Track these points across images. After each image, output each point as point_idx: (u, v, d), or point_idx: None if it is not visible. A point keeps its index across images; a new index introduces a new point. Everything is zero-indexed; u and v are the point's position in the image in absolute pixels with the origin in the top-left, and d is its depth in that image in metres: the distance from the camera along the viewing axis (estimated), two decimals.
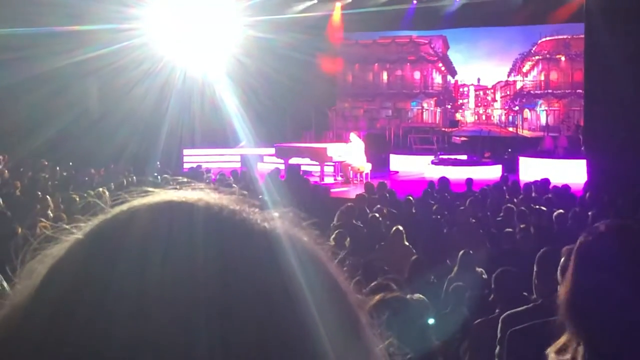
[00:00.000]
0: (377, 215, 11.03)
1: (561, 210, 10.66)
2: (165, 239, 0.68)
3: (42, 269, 0.71)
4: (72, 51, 20.57)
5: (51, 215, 10.52)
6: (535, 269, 5.15)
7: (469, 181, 15.35)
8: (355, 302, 0.76)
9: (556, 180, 15.04)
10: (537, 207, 11.27)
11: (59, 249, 0.72)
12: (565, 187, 14.06)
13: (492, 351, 4.69)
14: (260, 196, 13.46)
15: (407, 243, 9.52)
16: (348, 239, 9.11)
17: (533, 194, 13.81)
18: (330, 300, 0.71)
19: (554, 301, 2.18)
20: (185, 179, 0.83)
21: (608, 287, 1.99)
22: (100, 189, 13.11)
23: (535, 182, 14.89)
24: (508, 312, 4.92)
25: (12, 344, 0.65)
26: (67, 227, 0.75)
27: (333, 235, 8.97)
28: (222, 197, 0.77)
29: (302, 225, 0.79)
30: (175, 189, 0.79)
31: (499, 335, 4.74)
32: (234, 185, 14.31)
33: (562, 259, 3.57)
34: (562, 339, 2.11)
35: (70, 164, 18.68)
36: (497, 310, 5.51)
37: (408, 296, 4.74)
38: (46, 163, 18.54)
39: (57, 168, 17.83)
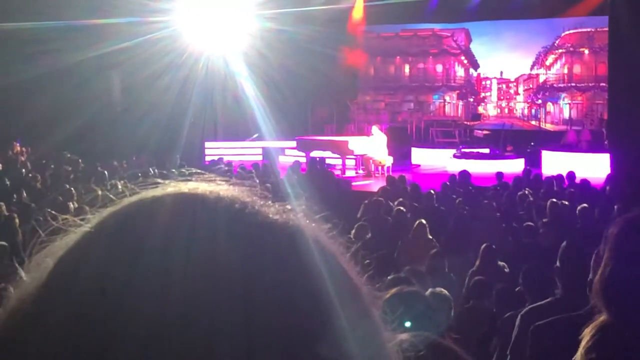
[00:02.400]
0: (402, 208, 11.01)
1: (585, 205, 10.60)
2: (174, 231, 0.68)
3: (50, 261, 0.71)
4: (95, 44, 20.69)
5: (72, 207, 10.58)
6: (557, 263, 5.12)
7: (500, 175, 15.24)
8: (368, 296, 0.76)
9: (579, 174, 14.93)
10: (560, 201, 11.17)
11: (67, 241, 0.72)
12: (585, 182, 13.94)
13: (523, 347, 4.66)
14: (281, 188, 13.49)
15: (430, 236, 9.51)
16: (370, 232, 9.10)
17: (555, 188, 13.74)
18: (344, 294, 0.71)
19: (576, 295, 2.17)
20: (198, 170, 0.83)
21: None
22: (115, 181, 13.22)
23: (559, 175, 14.81)
24: (529, 306, 4.90)
25: (21, 335, 0.65)
26: (74, 219, 0.75)
27: (355, 229, 8.96)
28: (232, 189, 0.77)
29: (314, 219, 0.79)
30: (188, 180, 0.79)
31: (516, 331, 4.72)
32: (255, 178, 14.35)
33: (596, 252, 3.54)
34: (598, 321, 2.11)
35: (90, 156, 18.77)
36: (527, 305, 5.48)
37: (430, 290, 4.74)
38: (69, 155, 18.65)
39: (80, 160, 17.92)
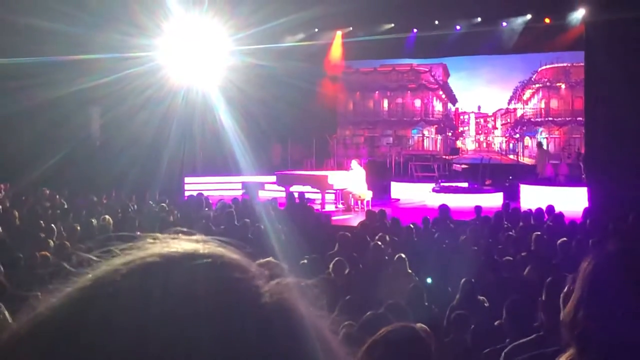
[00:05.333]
0: (379, 243, 10.99)
1: (565, 239, 10.65)
2: (159, 303, 0.68)
3: (29, 320, 0.71)
4: (74, 80, 20.70)
5: (52, 244, 10.50)
6: (543, 296, 5.14)
7: (478, 209, 15.30)
8: None
9: (557, 207, 15.01)
10: (537, 234, 11.22)
11: (50, 301, 0.72)
12: (559, 215, 14.02)
13: None
14: (259, 224, 13.47)
15: (410, 271, 9.49)
16: (347, 267, 9.07)
17: (532, 222, 13.82)
18: None
19: (557, 332, 2.18)
20: (184, 229, 0.81)
21: (614, 308, 1.99)
22: (106, 217, 13.15)
23: (538, 209, 14.88)
24: (512, 344, 4.90)
25: None
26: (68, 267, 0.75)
27: (332, 264, 8.93)
28: (223, 252, 0.76)
29: (304, 291, 0.78)
30: (176, 234, 0.79)
31: None
32: (234, 213, 14.33)
33: (566, 287, 3.55)
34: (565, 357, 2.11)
35: (66, 192, 18.66)
36: (507, 340, 5.48)
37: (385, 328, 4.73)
38: (47, 192, 18.54)
39: (57, 196, 17.80)
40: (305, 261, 9.08)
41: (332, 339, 0.77)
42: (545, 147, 24.82)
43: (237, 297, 0.71)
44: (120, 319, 0.67)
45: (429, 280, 9.53)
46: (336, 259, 9.12)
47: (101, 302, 0.70)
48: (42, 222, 12.69)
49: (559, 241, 10.61)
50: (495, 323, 6.44)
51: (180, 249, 0.75)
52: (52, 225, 12.31)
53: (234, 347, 0.67)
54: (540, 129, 26.45)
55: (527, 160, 26.11)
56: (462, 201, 19.60)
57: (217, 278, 0.72)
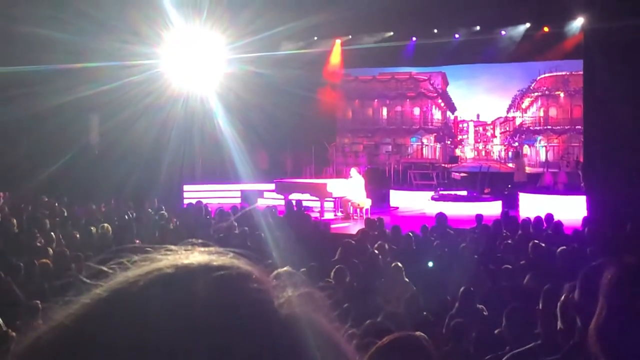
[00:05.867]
0: (376, 252, 11.00)
1: (564, 247, 10.64)
2: (167, 322, 0.69)
3: (49, 329, 0.71)
4: (73, 88, 20.71)
5: (51, 252, 10.50)
6: (540, 305, 5.14)
7: (479, 217, 15.29)
8: None
9: (556, 216, 15.00)
10: (536, 243, 11.21)
11: (70, 311, 0.72)
12: (558, 223, 14.01)
13: None
14: (258, 232, 13.48)
15: (407, 279, 9.49)
16: (348, 275, 9.07)
17: (531, 230, 13.81)
18: None
19: (556, 339, 2.18)
20: (199, 240, 0.81)
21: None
22: (105, 225, 13.14)
23: (537, 217, 14.87)
24: (510, 353, 4.90)
25: None
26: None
27: (333, 272, 8.93)
28: (238, 263, 0.77)
29: (318, 302, 0.79)
30: (191, 245, 0.79)
31: None
32: (234, 222, 14.33)
33: (564, 296, 3.56)
34: None
35: (65, 200, 18.65)
36: (507, 348, 5.48)
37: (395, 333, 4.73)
38: (46, 199, 18.54)
39: (57, 204, 17.80)
40: (304, 269, 9.08)
41: (348, 351, 0.77)
42: (523, 154, 24.88)
43: (254, 309, 0.72)
44: (139, 330, 0.67)
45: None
46: (337, 267, 9.12)
47: (121, 313, 0.70)
48: (41, 230, 12.69)
49: (558, 250, 10.61)
50: (495, 332, 6.44)
51: (194, 261, 0.76)
52: (52, 233, 12.32)
53: (253, 358, 0.68)
54: (539, 137, 26.48)
55: (526, 169, 26.14)
56: (461, 209, 19.61)
57: (234, 290, 0.73)
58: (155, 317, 0.69)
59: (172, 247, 0.80)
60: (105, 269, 0.78)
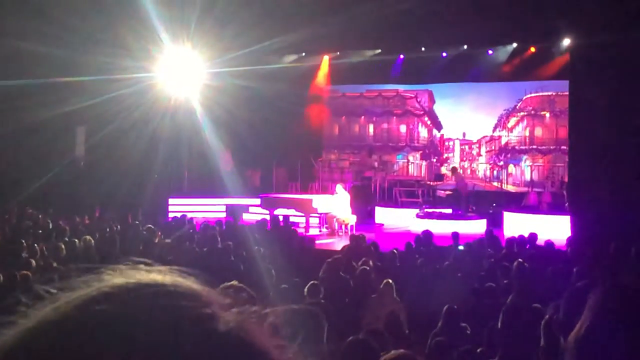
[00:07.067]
0: (367, 268, 10.98)
1: (547, 267, 10.67)
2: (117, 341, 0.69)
3: None
4: (60, 101, 20.68)
5: (34, 264, 10.44)
6: (499, 324, 5.16)
7: (455, 235, 15.34)
8: None
9: (541, 235, 15.05)
10: (520, 262, 11.23)
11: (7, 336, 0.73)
12: (549, 243, 14.07)
13: None
14: (242, 247, 13.44)
15: (396, 296, 9.50)
16: (322, 291, 8.99)
17: (515, 249, 13.83)
18: None
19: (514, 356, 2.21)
20: (148, 261, 0.81)
21: (616, 343, 2.02)
22: (88, 237, 13.08)
23: (521, 237, 14.90)
24: None
25: None
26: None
27: (307, 288, 8.85)
28: (177, 281, 0.77)
29: (262, 319, 0.79)
30: (139, 266, 0.80)
31: None
32: (217, 236, 14.28)
33: (548, 315, 3.58)
34: None
35: (51, 211, 18.57)
36: None
37: (393, 352, 4.73)
38: (30, 211, 18.46)
39: (40, 216, 17.73)
40: (286, 285, 9.06)
41: None
42: (460, 171, 24.95)
43: (190, 325, 0.72)
44: (68, 348, 0.68)
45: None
46: (311, 282, 9.04)
47: (51, 335, 0.71)
48: (23, 241, 12.61)
49: (541, 269, 10.63)
50: (478, 350, 6.45)
51: (132, 280, 0.76)
52: (35, 245, 12.25)
53: None
54: (525, 157, 26.59)
55: (510, 188, 26.22)
56: (445, 227, 19.63)
57: (164, 306, 0.73)
58: (82, 337, 0.70)
59: (120, 266, 0.80)
60: (50, 290, 0.79)
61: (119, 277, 0.78)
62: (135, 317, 0.71)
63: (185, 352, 0.70)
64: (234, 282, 4.38)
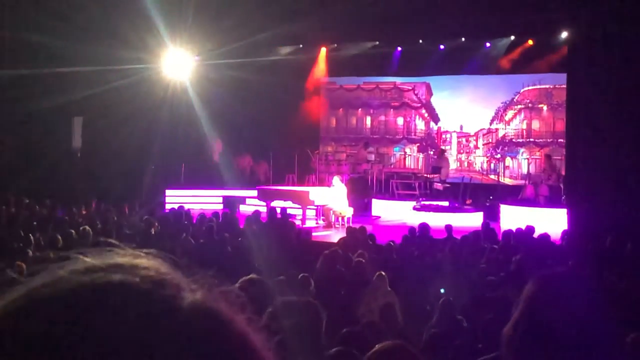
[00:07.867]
0: (362, 260, 10.98)
1: (543, 259, 10.68)
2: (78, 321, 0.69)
3: None
4: (57, 92, 20.63)
5: (31, 254, 10.42)
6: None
7: (449, 227, 15.38)
8: None
9: (537, 228, 15.06)
10: (516, 255, 11.25)
11: None
12: (545, 236, 14.07)
13: None
14: (239, 239, 13.45)
15: (390, 289, 9.49)
16: (312, 284, 8.98)
17: (512, 242, 13.85)
18: None
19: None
20: (114, 242, 0.82)
21: (550, 330, 2.05)
22: (86, 228, 13.07)
23: (518, 229, 14.92)
24: None
25: None
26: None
27: (298, 279, 8.85)
28: (148, 266, 0.77)
29: (232, 299, 0.79)
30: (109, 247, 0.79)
31: None
32: (214, 226, 14.28)
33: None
34: None
35: (47, 202, 18.54)
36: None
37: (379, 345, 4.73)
38: (27, 201, 18.43)
39: (37, 207, 17.70)
40: (282, 277, 9.05)
41: (258, 343, 0.77)
42: (446, 155, 25.02)
43: (155, 303, 0.73)
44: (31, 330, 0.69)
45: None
46: (301, 275, 9.04)
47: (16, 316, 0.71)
48: (21, 232, 12.60)
49: (537, 262, 10.64)
50: (479, 345, 6.44)
51: (100, 264, 0.76)
52: (30, 235, 12.24)
53: (148, 350, 0.68)
54: (522, 150, 26.59)
55: (507, 181, 26.23)
56: (442, 220, 19.62)
57: (135, 287, 0.74)
58: (46, 321, 0.70)
59: (93, 250, 0.80)
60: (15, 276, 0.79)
61: (83, 260, 0.78)
62: (85, 298, 0.72)
63: (149, 328, 0.70)
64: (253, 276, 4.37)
